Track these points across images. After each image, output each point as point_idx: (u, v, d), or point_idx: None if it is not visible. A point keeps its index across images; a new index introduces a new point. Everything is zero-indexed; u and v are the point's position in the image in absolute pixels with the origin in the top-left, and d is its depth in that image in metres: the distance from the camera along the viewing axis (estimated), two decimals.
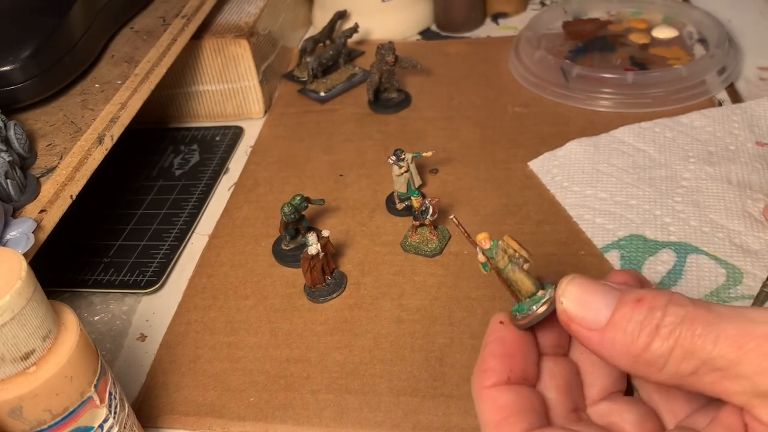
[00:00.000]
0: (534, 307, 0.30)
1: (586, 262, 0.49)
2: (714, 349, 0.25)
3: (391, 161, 0.53)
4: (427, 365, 0.43)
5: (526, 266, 0.31)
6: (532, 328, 0.32)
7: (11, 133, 0.44)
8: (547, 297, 0.30)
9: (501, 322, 0.31)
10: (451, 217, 0.34)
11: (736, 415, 0.26)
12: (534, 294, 0.30)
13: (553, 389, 0.31)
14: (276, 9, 0.75)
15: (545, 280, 0.32)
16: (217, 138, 0.69)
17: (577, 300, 0.28)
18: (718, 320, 0.25)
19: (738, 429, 0.26)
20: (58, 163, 0.46)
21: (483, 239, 0.32)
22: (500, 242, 0.32)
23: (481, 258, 0.32)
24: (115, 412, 0.35)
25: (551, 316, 0.31)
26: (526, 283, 0.31)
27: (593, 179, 0.55)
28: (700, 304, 0.26)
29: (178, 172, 0.65)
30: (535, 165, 0.57)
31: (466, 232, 0.34)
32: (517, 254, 0.31)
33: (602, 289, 0.28)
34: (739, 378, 0.25)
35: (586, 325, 0.27)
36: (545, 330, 0.32)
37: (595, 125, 0.61)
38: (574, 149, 0.58)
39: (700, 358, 0.25)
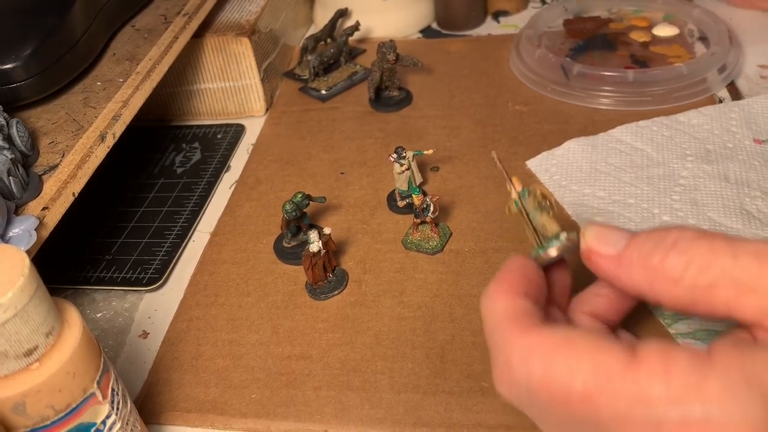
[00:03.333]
0: (556, 244, 0.33)
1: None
2: (734, 261, 0.26)
3: (392, 159, 0.53)
4: (428, 362, 0.44)
5: (551, 212, 0.34)
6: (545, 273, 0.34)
7: (14, 130, 0.44)
8: (568, 237, 0.32)
9: (522, 257, 0.33)
10: (493, 154, 0.37)
11: (746, 333, 0.27)
12: (557, 235, 0.33)
13: None
14: (277, 7, 0.75)
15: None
16: (219, 136, 0.69)
17: (597, 234, 0.30)
18: (736, 240, 0.26)
19: (749, 340, 0.26)
20: (61, 160, 0.46)
21: (516, 181, 0.35)
22: (530, 188, 0.35)
23: (515, 196, 0.35)
24: (117, 409, 0.36)
25: (558, 270, 0.34)
26: (551, 225, 0.33)
27: (591, 178, 0.55)
28: (715, 232, 0.27)
29: (179, 170, 0.65)
30: (533, 164, 0.58)
31: (505, 170, 0.36)
32: (543, 200, 0.34)
33: (618, 228, 0.30)
34: (756, 291, 0.25)
35: (606, 253, 0.29)
36: (553, 281, 0.34)
37: (596, 123, 0.61)
38: (572, 148, 0.58)
39: (720, 268, 0.26)
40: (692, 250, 0.27)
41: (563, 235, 0.33)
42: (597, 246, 0.30)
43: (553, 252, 0.33)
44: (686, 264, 0.26)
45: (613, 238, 0.30)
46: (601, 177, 0.55)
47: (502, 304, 0.30)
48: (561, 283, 0.35)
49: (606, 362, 0.25)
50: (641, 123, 0.59)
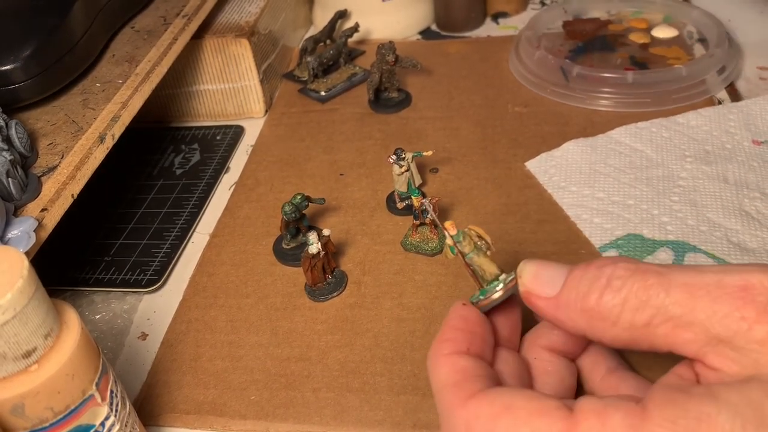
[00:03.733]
0: (496, 288, 0.32)
1: (587, 260, 0.49)
2: (667, 296, 0.26)
3: (391, 160, 0.53)
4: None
5: (489, 252, 0.34)
6: (491, 315, 0.34)
7: (12, 132, 0.44)
8: (508, 279, 0.32)
9: (464, 305, 0.33)
10: (425, 201, 0.38)
11: (687, 367, 0.27)
12: (496, 277, 0.33)
13: (507, 374, 0.32)
14: (277, 8, 0.75)
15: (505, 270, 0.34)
16: (218, 137, 0.69)
17: (533, 274, 0.30)
18: (667, 271, 0.26)
19: (690, 378, 0.27)
20: (60, 162, 0.46)
21: (449, 226, 0.35)
22: (466, 229, 0.35)
23: (449, 242, 0.34)
24: (116, 410, 0.36)
25: (505, 309, 0.34)
26: (489, 267, 0.33)
27: (590, 179, 0.55)
28: (647, 263, 0.27)
29: (178, 172, 0.65)
30: (533, 165, 0.58)
31: (436, 218, 0.37)
32: (481, 241, 0.34)
33: (555, 264, 0.30)
34: (692, 325, 0.25)
35: (543, 294, 0.29)
36: (501, 322, 0.34)
37: (596, 125, 0.61)
38: (572, 150, 0.58)
39: (654, 307, 0.26)
40: (625, 289, 0.26)
41: (502, 277, 0.33)
42: (534, 287, 0.30)
43: (496, 295, 0.32)
44: (621, 304, 0.26)
45: (549, 276, 0.29)
46: (600, 178, 0.55)
47: (444, 369, 0.30)
48: (509, 322, 0.35)
49: (544, 429, 0.25)
50: (640, 124, 0.60)
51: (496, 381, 0.30)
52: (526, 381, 0.33)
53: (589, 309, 0.27)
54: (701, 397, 0.24)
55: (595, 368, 0.35)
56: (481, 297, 0.33)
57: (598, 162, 0.56)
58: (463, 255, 0.34)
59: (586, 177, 0.55)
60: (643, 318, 0.26)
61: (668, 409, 0.24)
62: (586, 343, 0.35)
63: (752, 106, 0.60)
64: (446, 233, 0.35)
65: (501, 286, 0.32)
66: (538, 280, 0.30)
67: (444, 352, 0.30)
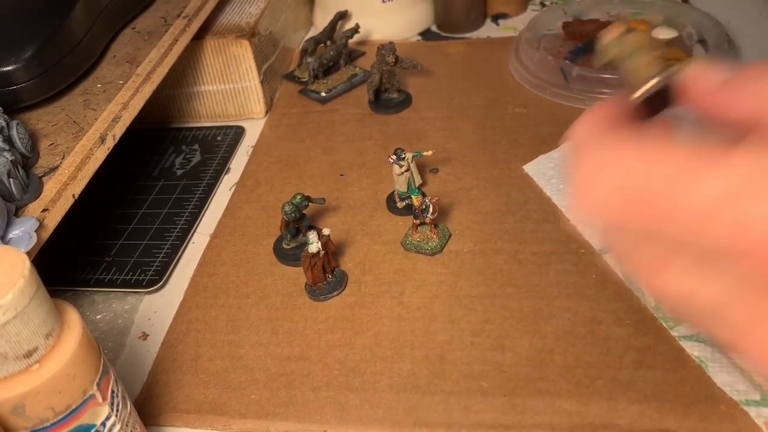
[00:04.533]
0: (654, 77, 0.30)
1: (586, 260, 0.49)
2: None
3: (391, 161, 0.53)
4: (427, 362, 0.44)
5: (659, 54, 0.31)
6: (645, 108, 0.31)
7: (14, 132, 0.45)
8: (665, 73, 0.30)
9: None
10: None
11: None
12: (656, 72, 0.30)
13: None
14: (277, 9, 0.75)
15: None
16: (219, 138, 0.69)
17: (699, 68, 0.28)
18: None
19: None
20: (61, 162, 0.46)
21: (617, 27, 0.32)
22: (636, 31, 0.32)
23: (611, 36, 0.32)
24: (117, 410, 0.36)
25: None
26: (649, 70, 0.30)
27: None
28: None
29: (179, 172, 0.65)
30: (530, 168, 0.57)
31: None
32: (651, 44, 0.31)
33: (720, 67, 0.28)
34: None
35: (710, 79, 0.28)
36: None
37: None
38: (553, 156, 0.58)
39: None
40: None
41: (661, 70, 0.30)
42: (698, 77, 0.28)
43: (652, 82, 0.30)
44: None
45: (715, 72, 0.28)
46: None
47: (584, 128, 0.29)
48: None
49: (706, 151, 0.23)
50: None
51: None
52: None
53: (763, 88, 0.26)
54: None
55: None
56: (637, 92, 0.30)
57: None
58: (624, 57, 0.31)
59: None
60: None
61: None
62: None
63: None
64: (611, 31, 0.32)
65: (656, 77, 0.30)
66: (702, 74, 0.28)
67: (589, 122, 0.29)
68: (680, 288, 0.25)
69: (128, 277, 0.54)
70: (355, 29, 0.74)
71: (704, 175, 0.23)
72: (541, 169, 0.57)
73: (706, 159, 0.23)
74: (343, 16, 0.78)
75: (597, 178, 0.26)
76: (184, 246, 0.56)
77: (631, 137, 0.26)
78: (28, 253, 0.38)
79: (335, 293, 0.49)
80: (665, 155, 0.24)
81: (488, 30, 0.81)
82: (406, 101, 0.68)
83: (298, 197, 0.50)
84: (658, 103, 0.31)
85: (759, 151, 0.22)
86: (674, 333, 0.43)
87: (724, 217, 0.22)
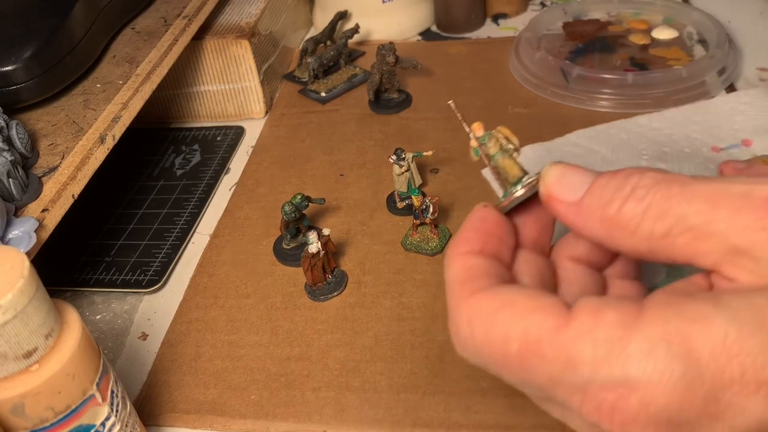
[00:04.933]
0: (517, 188, 0.31)
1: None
2: (689, 206, 0.25)
3: (391, 161, 0.53)
4: (427, 362, 0.44)
5: (515, 154, 0.33)
6: (512, 216, 0.32)
7: (13, 132, 0.45)
8: (530, 180, 0.31)
9: (484, 206, 0.32)
10: (450, 102, 0.36)
11: (703, 277, 0.27)
12: (519, 179, 0.32)
13: (526, 275, 0.31)
14: (277, 9, 0.75)
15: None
16: (218, 138, 0.69)
17: (558, 177, 0.29)
18: (693, 182, 0.25)
19: (703, 287, 0.26)
20: (60, 162, 0.46)
21: (477, 127, 0.34)
22: (494, 131, 0.33)
23: (474, 143, 0.34)
24: (116, 410, 0.36)
25: (534, 211, 0.32)
26: (513, 169, 0.32)
27: None
28: (676, 174, 0.26)
29: (179, 172, 0.65)
30: (488, 173, 0.57)
31: (462, 117, 0.35)
32: (507, 142, 0.33)
33: (582, 169, 0.29)
34: (711, 236, 0.24)
35: (565, 199, 0.28)
36: (526, 222, 0.33)
37: (596, 126, 0.61)
38: (527, 155, 0.58)
39: (674, 216, 0.25)
40: (648, 197, 0.26)
41: (525, 178, 0.31)
42: (556, 190, 0.29)
43: (516, 194, 0.31)
44: (642, 213, 0.26)
45: (573, 180, 0.28)
46: None
47: (455, 267, 0.29)
48: (538, 224, 0.33)
49: (538, 324, 0.25)
50: (599, 127, 0.59)
51: (507, 281, 0.29)
52: (549, 284, 0.32)
53: (610, 217, 0.27)
54: (702, 300, 0.23)
55: (622, 291, 0.34)
56: (502, 198, 0.32)
57: None
58: (489, 157, 0.33)
59: None
60: (663, 228, 0.25)
61: (664, 309, 0.23)
62: (612, 254, 0.34)
63: (723, 104, 0.59)
64: (471, 134, 0.34)
65: (520, 186, 0.31)
66: (561, 184, 0.29)
67: (458, 251, 0.30)
68: (553, 412, 0.27)
69: (128, 277, 0.54)
70: (355, 29, 0.74)
71: (546, 342, 0.25)
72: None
73: (549, 322, 0.25)
74: (343, 16, 0.78)
75: (466, 330, 0.27)
76: (183, 246, 0.56)
77: (492, 288, 0.28)
78: (28, 254, 0.38)
79: (335, 293, 0.49)
80: (516, 317, 0.26)
81: (488, 30, 0.81)
82: (406, 101, 0.68)
83: (298, 197, 0.50)
84: (528, 203, 0.32)
85: (586, 322, 0.24)
86: None
87: (567, 383, 0.24)
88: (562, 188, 0.29)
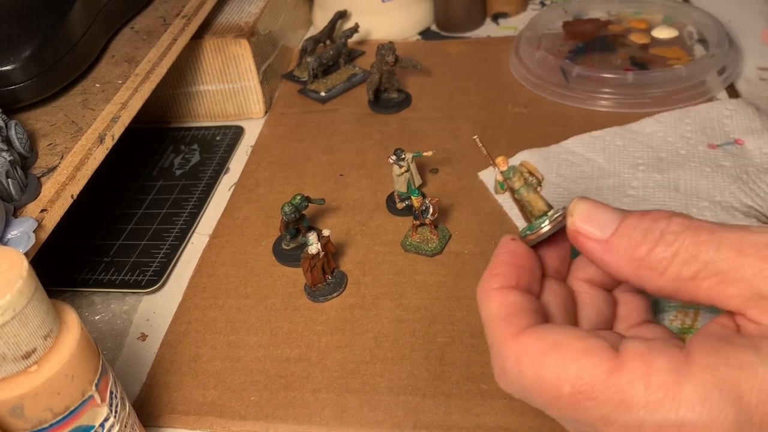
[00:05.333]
0: (543, 223, 0.33)
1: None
2: (717, 253, 0.26)
3: (391, 161, 0.53)
4: (427, 364, 0.44)
5: (539, 189, 0.34)
6: (538, 247, 0.34)
7: (12, 132, 0.44)
8: (556, 215, 0.32)
9: (512, 239, 0.33)
10: (474, 137, 0.37)
11: (728, 318, 0.28)
12: (544, 213, 0.33)
13: (554, 304, 0.33)
14: (276, 9, 0.75)
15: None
16: (218, 138, 0.69)
17: (585, 214, 0.30)
18: (720, 230, 0.27)
19: (732, 328, 0.27)
20: (59, 162, 0.46)
21: (501, 161, 0.35)
22: (518, 165, 0.35)
23: (499, 177, 0.35)
24: (116, 411, 0.36)
25: (555, 240, 0.34)
26: (538, 203, 0.33)
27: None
28: (701, 220, 0.28)
29: (178, 172, 0.65)
30: (485, 176, 0.57)
31: (487, 151, 0.36)
32: (531, 177, 0.34)
33: (609, 207, 0.30)
34: (737, 281, 0.26)
35: (593, 236, 0.30)
36: (549, 253, 0.35)
37: (596, 125, 0.61)
38: (524, 160, 0.57)
39: (702, 262, 0.27)
40: (677, 243, 0.27)
41: (550, 213, 0.33)
42: (585, 227, 0.30)
43: (543, 230, 0.33)
44: (671, 257, 0.27)
45: (602, 219, 0.30)
46: (551, 189, 0.54)
47: (494, 304, 0.30)
48: (559, 254, 0.35)
49: (590, 368, 0.26)
50: (594, 133, 0.59)
51: (543, 314, 0.31)
52: (571, 311, 0.34)
53: (639, 258, 0.28)
54: (743, 347, 0.25)
55: (630, 305, 0.36)
56: (529, 232, 0.33)
57: (549, 172, 0.56)
58: (513, 191, 0.34)
59: None
60: (690, 271, 0.27)
61: (711, 356, 0.25)
62: None
63: (709, 109, 0.60)
64: (496, 169, 0.35)
65: (548, 221, 0.33)
66: (589, 221, 0.30)
67: (494, 286, 0.31)
68: None
69: (127, 277, 0.53)
70: (355, 29, 0.74)
71: (601, 386, 0.26)
72: (494, 177, 0.57)
73: (601, 366, 0.26)
74: (342, 15, 0.77)
75: (513, 369, 0.28)
76: (183, 246, 0.56)
77: (536, 328, 0.29)
78: (27, 254, 0.38)
79: (335, 294, 0.49)
80: (567, 360, 0.27)
81: (488, 29, 0.81)
82: (405, 101, 0.68)
83: (298, 198, 0.50)
84: (555, 238, 0.34)
85: (637, 367, 0.26)
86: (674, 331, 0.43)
87: (621, 422, 0.26)
88: (590, 226, 0.30)
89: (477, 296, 0.32)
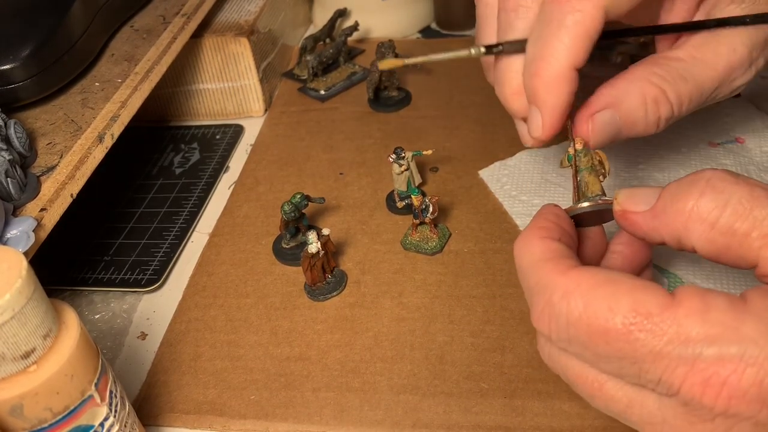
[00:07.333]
0: (591, 200, 0.34)
1: None
2: None
3: (391, 159, 0.53)
4: (427, 363, 0.44)
5: (601, 177, 0.35)
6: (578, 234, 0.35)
7: (11, 131, 0.44)
8: (606, 198, 0.34)
9: (555, 206, 0.34)
10: (568, 121, 0.38)
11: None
12: (597, 194, 0.34)
13: None
14: (276, 7, 0.75)
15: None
16: (218, 136, 0.69)
17: (628, 195, 0.31)
18: None
19: None
20: (59, 161, 0.46)
21: (579, 141, 0.36)
22: (593, 151, 0.36)
23: (571, 151, 0.36)
24: (115, 411, 0.36)
25: (589, 234, 0.35)
26: (595, 186, 0.35)
27: (541, 189, 0.54)
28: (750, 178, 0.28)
29: (178, 171, 0.65)
30: (485, 174, 0.57)
31: (571, 129, 0.38)
32: (600, 165, 0.36)
33: (650, 187, 0.31)
34: None
35: (639, 209, 0.31)
36: (585, 245, 0.35)
37: None
38: (525, 159, 0.57)
39: (755, 218, 0.26)
40: (728, 192, 0.27)
41: (603, 197, 0.34)
42: (629, 205, 0.31)
43: (585, 203, 0.34)
44: (723, 206, 0.27)
45: (643, 196, 0.31)
46: (551, 188, 0.54)
47: (538, 248, 0.30)
48: (595, 242, 0.35)
49: (646, 301, 0.26)
50: None
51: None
52: None
53: (688, 211, 0.28)
54: None
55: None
56: (583, 203, 0.34)
57: (550, 171, 0.56)
58: (577, 168, 0.35)
59: (536, 186, 0.55)
60: (744, 227, 0.26)
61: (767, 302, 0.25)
62: (642, 267, 0.36)
63: (710, 108, 0.59)
64: (572, 143, 0.36)
65: (599, 199, 0.34)
66: (632, 198, 0.31)
67: (537, 235, 0.31)
68: (620, 399, 0.28)
69: (127, 276, 0.53)
70: (355, 27, 0.74)
71: (657, 318, 0.26)
72: (495, 175, 0.57)
73: (657, 301, 0.26)
74: (342, 13, 0.77)
75: (561, 304, 0.28)
76: (182, 245, 0.56)
77: (585, 267, 0.29)
78: (26, 253, 0.38)
79: (335, 293, 0.49)
80: (621, 293, 0.27)
81: None
82: (405, 99, 0.68)
83: (298, 196, 0.50)
84: (593, 217, 0.35)
85: (690, 308, 0.26)
86: None
87: (673, 355, 0.25)
88: (634, 202, 0.31)
89: (514, 249, 0.32)
